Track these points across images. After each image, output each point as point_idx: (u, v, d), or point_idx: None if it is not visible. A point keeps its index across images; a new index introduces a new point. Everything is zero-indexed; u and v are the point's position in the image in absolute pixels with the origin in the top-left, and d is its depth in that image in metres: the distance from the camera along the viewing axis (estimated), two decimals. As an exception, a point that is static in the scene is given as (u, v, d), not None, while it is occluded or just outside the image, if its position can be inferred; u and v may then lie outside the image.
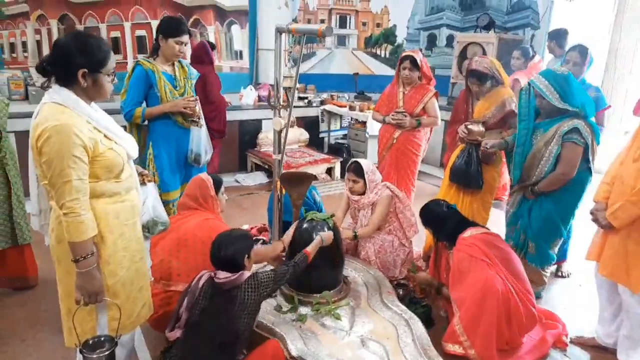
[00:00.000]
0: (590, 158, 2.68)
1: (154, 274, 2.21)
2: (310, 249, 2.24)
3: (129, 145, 1.80)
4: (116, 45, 5.69)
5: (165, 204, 2.99)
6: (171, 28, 2.90)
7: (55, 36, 5.29)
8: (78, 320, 1.70)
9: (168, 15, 3.39)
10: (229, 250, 1.95)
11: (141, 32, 5.74)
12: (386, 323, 2.36)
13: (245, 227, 3.77)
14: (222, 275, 1.92)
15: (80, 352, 1.66)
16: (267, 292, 2.00)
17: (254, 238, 2.55)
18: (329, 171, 5.47)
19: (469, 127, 2.97)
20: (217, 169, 4.84)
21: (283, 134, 2.71)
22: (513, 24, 6.60)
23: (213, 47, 4.74)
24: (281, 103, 2.73)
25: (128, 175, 1.78)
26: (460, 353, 2.37)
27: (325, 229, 2.50)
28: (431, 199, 2.83)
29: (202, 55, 4.36)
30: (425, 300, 2.81)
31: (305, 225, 2.54)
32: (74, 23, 5.46)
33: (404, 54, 3.54)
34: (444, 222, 2.63)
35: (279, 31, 2.70)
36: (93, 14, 5.55)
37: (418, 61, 3.44)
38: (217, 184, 2.42)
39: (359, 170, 3.03)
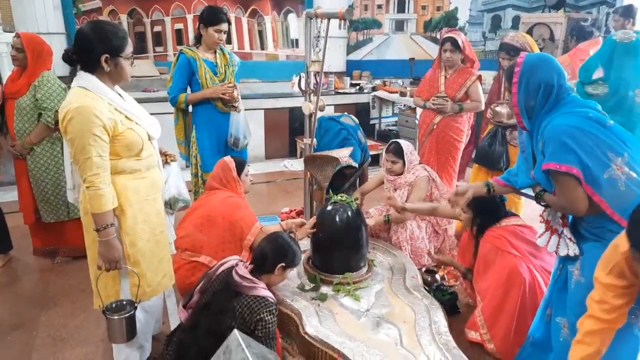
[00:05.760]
0: None
1: (180, 246, 2.36)
2: None
3: (150, 126, 1.94)
4: (180, 37, 6.03)
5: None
6: (210, 17, 3.04)
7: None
8: (103, 284, 1.88)
9: (208, 5, 3.55)
10: (269, 245, 2.03)
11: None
12: (405, 307, 2.35)
13: (285, 209, 3.89)
14: (242, 272, 1.91)
15: (103, 313, 1.84)
16: (258, 333, 1.84)
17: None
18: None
19: (495, 108, 2.85)
20: None
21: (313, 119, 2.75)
22: (586, 2, 6.12)
23: None
24: (311, 88, 2.78)
25: (148, 154, 1.92)
26: (480, 340, 2.32)
27: (348, 212, 2.53)
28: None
29: None
30: (453, 288, 2.76)
31: (328, 208, 2.59)
32: (141, 17, 5.85)
33: (444, 36, 3.42)
34: (492, 211, 2.49)
35: (309, 17, 2.76)
36: (159, 8, 5.91)
37: (459, 42, 3.31)
38: (240, 166, 2.53)
39: (398, 151, 3.02)
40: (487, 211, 2.50)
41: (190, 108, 3.23)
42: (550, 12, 5.72)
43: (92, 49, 1.74)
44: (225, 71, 3.18)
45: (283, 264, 2.04)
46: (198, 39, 3.15)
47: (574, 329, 1.74)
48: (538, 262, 2.33)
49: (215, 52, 3.17)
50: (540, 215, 1.91)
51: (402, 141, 3.07)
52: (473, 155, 3.45)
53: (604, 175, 1.60)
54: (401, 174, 3.06)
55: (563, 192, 1.68)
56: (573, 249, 1.77)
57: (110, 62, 1.78)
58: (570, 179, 1.62)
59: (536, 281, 2.26)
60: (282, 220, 3.60)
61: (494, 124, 2.90)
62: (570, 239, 1.78)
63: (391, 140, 3.12)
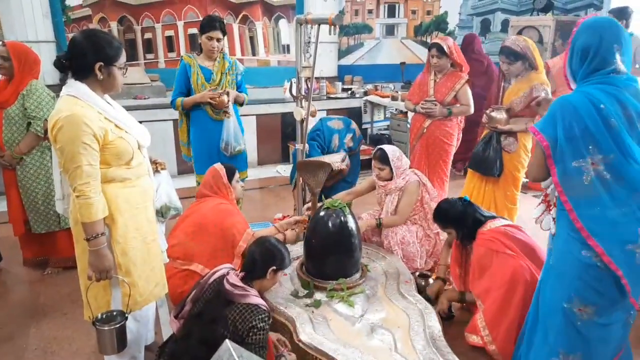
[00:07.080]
0: None
1: (172, 255, 2.34)
2: None
3: (140, 134, 1.92)
4: (170, 44, 6.01)
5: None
6: (203, 25, 3.13)
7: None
8: (93, 295, 1.86)
9: (207, 15, 3.64)
10: (258, 250, 2.02)
11: (193, 30, 6.02)
12: (399, 312, 2.34)
13: (278, 215, 3.88)
14: (233, 280, 1.91)
15: (93, 324, 1.82)
16: (249, 340, 1.82)
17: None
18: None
19: (490, 114, 2.85)
20: None
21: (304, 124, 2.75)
22: (574, 5, 6.21)
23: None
24: (302, 93, 2.78)
25: (138, 163, 1.90)
26: (481, 343, 2.32)
27: (341, 217, 2.52)
28: (441, 200, 2.75)
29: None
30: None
31: (321, 214, 2.58)
32: (131, 24, 5.82)
33: (431, 42, 3.46)
34: (462, 219, 2.52)
35: (299, 22, 2.76)
36: (149, 15, 5.88)
37: (445, 48, 3.33)
38: (230, 173, 2.52)
39: (384, 158, 3.02)
40: (462, 220, 2.52)
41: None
42: (538, 15, 5.76)
43: (87, 56, 1.73)
44: (220, 78, 3.20)
45: (274, 267, 2.04)
46: (200, 47, 3.23)
47: (544, 303, 1.89)
48: (534, 260, 2.33)
49: (215, 59, 3.20)
50: (543, 189, 1.94)
51: (387, 147, 3.06)
52: None
53: (572, 163, 1.63)
54: (390, 179, 3.05)
55: (533, 154, 1.83)
56: (553, 228, 1.86)
57: (103, 70, 1.77)
58: (539, 146, 1.72)
59: (535, 279, 2.26)
60: (274, 227, 3.59)
61: (489, 129, 2.91)
62: (554, 218, 1.84)
63: (377, 147, 3.11)
